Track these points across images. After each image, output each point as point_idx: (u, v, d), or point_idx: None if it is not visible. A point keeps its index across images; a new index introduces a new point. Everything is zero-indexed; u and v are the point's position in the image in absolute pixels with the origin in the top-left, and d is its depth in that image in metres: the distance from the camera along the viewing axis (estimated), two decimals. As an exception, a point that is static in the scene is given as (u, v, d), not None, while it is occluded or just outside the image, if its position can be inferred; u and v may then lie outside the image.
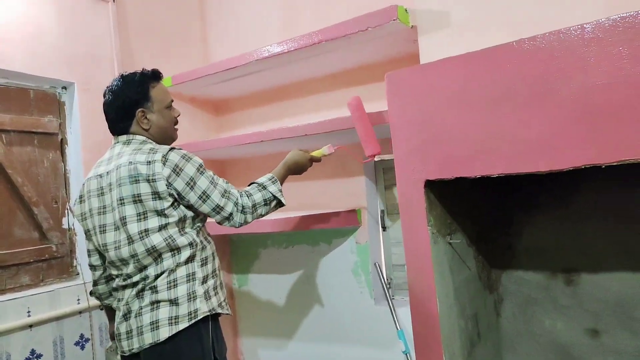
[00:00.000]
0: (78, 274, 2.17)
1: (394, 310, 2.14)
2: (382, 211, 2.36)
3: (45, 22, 2.11)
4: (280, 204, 1.63)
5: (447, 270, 1.54)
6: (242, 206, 1.52)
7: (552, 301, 1.76)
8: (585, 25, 1.17)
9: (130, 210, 1.43)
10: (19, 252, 2.00)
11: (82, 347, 2.08)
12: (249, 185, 1.62)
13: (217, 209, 1.49)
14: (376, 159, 1.85)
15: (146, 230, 1.42)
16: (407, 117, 1.47)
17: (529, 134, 1.25)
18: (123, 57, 2.38)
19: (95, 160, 2.17)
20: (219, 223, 1.54)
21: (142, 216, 1.43)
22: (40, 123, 2.12)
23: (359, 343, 2.31)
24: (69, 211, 2.19)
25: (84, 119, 2.19)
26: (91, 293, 1.71)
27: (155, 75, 1.58)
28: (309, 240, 2.47)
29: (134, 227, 1.43)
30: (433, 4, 1.66)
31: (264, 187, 1.60)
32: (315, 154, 1.83)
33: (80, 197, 1.58)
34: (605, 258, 1.67)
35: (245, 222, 1.54)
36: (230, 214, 1.50)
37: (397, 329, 2.11)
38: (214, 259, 1.57)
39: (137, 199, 1.42)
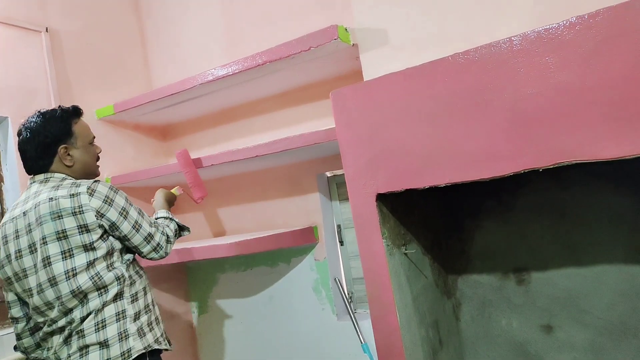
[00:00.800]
0: (23, 318, 2.03)
1: (357, 324, 2.15)
2: (339, 226, 2.37)
3: (-26, 55, 2.01)
4: (183, 231, 1.72)
5: (405, 280, 1.56)
6: (167, 236, 1.56)
7: (506, 301, 1.83)
8: (513, 38, 1.24)
9: (54, 248, 1.36)
10: (-45, 301, 1.86)
11: (31, 397, 1.94)
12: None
13: (149, 237, 1.49)
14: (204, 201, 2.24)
15: (73, 269, 1.36)
16: (354, 133, 1.49)
17: (470, 143, 1.30)
18: (60, 88, 2.29)
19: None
20: (144, 255, 1.50)
21: (67, 254, 1.36)
22: (-28, 161, 2.00)
23: (324, 361, 2.29)
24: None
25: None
26: (15, 348, 1.58)
27: (77, 112, 1.55)
28: (268, 261, 2.45)
29: (59, 267, 1.36)
30: (371, 23, 1.71)
31: (171, 219, 1.67)
32: (173, 191, 1.95)
33: None
34: (551, 255, 1.75)
35: (168, 253, 1.55)
36: (158, 243, 1.51)
37: (362, 342, 2.11)
38: (145, 293, 1.52)
39: (61, 236, 1.36)
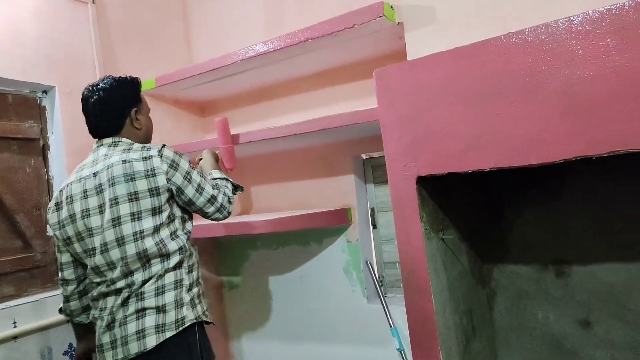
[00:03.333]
0: (64, 282, 2.11)
1: (387, 307, 2.14)
2: (372, 209, 2.36)
3: (23, 25, 2.05)
4: (237, 190, 1.74)
5: (441, 266, 1.53)
6: (228, 196, 1.60)
7: (544, 294, 1.78)
8: (572, 18, 1.18)
9: (124, 209, 1.39)
10: (0, 262, 1.94)
11: (71, 357, 2.03)
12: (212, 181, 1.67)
13: (212, 199, 1.52)
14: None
15: (141, 232, 1.40)
16: (397, 113, 1.46)
17: (519, 127, 1.25)
18: (105, 59, 2.33)
19: (80, 166, 2.14)
20: (209, 216, 1.55)
21: (136, 216, 1.40)
22: (20, 129, 2.06)
23: (352, 342, 2.30)
24: (53, 218, 2.14)
25: (66, 123, 2.14)
26: (60, 311, 1.62)
27: (140, 82, 1.63)
28: (300, 240, 2.46)
29: (128, 228, 1.39)
30: (418, 0, 1.66)
31: (227, 180, 1.70)
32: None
33: (57, 204, 1.50)
34: (594, 249, 1.68)
35: (230, 213, 1.60)
36: (222, 204, 1.55)
37: (391, 326, 2.11)
38: (198, 266, 1.57)
39: (132, 198, 1.39)
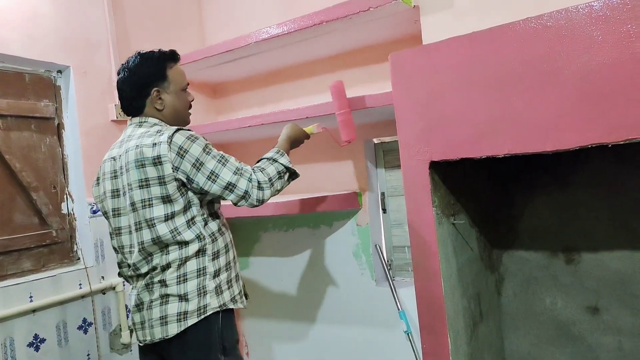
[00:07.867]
0: (79, 259, 2.16)
1: (395, 291, 2.16)
2: (383, 193, 2.37)
3: (41, 5, 2.06)
4: (293, 176, 1.56)
5: (451, 250, 1.55)
6: (258, 182, 1.42)
7: (552, 280, 1.79)
8: (593, 4, 1.16)
9: (137, 196, 1.39)
10: (20, 237, 1.99)
11: (85, 331, 2.09)
12: (257, 162, 1.53)
13: (230, 187, 1.39)
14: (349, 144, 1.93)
15: (152, 219, 1.38)
16: (412, 98, 1.46)
17: (535, 113, 1.25)
18: (119, 40, 2.34)
19: (93, 146, 2.17)
20: (235, 204, 1.42)
21: (147, 202, 1.38)
22: (36, 107, 2.09)
23: (360, 323, 2.33)
24: (68, 196, 2.17)
25: (80, 103, 2.16)
26: (119, 274, 1.64)
27: (174, 56, 1.53)
28: (310, 223, 2.48)
29: (141, 214, 1.40)
30: (436, -17, 1.64)
31: (275, 160, 1.52)
32: (307, 129, 1.78)
33: (97, 179, 1.55)
34: (605, 237, 1.69)
35: (263, 200, 1.43)
36: (246, 191, 1.40)
37: (399, 309, 2.13)
38: (227, 251, 1.49)
39: (143, 184, 1.38)
